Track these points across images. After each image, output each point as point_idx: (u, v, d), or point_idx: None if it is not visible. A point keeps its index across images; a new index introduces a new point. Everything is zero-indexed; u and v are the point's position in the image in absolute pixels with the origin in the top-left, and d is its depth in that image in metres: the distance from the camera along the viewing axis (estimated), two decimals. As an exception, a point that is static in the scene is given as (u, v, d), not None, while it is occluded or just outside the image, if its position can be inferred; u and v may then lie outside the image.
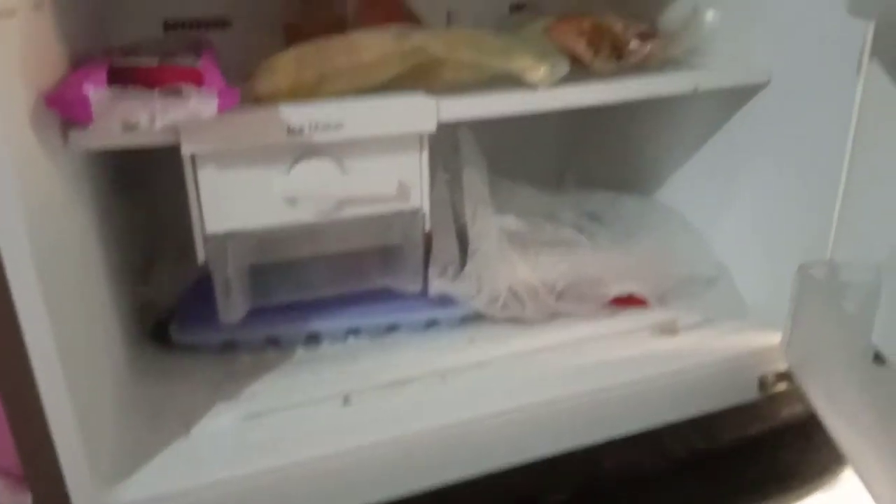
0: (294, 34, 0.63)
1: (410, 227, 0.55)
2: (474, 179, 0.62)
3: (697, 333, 0.63)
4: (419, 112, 0.51)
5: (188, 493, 0.47)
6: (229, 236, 0.50)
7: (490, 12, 0.79)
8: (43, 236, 0.39)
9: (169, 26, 0.70)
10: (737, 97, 0.64)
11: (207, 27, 0.71)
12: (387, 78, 0.53)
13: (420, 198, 0.54)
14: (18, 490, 0.51)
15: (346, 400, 0.54)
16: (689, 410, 0.60)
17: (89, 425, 0.43)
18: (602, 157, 0.87)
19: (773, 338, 0.60)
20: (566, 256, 0.64)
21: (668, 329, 0.64)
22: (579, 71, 0.58)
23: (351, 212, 0.52)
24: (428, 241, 0.59)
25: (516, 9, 0.83)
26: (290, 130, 0.47)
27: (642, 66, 0.61)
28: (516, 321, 0.63)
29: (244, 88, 0.49)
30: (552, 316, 0.64)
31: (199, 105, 0.40)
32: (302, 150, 0.50)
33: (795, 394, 0.57)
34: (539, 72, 0.54)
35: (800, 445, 0.60)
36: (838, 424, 0.49)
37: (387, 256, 0.57)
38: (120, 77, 0.40)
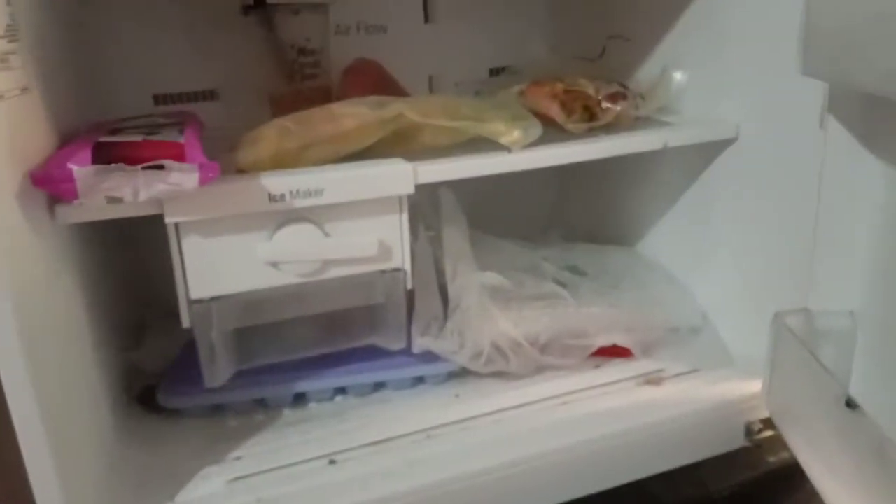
0: (280, 105, 0.66)
1: (393, 286, 0.56)
2: (454, 237, 0.63)
3: (683, 383, 0.64)
4: (397, 177, 0.53)
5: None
6: (214, 301, 0.51)
7: (470, 76, 0.83)
8: (28, 308, 0.40)
9: (159, 100, 0.73)
10: (709, 151, 0.66)
11: (196, 100, 0.74)
12: (367, 144, 0.55)
13: (401, 257, 0.56)
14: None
15: (332, 460, 0.54)
16: (677, 460, 0.60)
17: (73, 494, 0.43)
18: (586, 210, 0.89)
19: (758, 385, 0.60)
20: (549, 310, 0.65)
21: (654, 379, 0.64)
22: (554, 131, 0.61)
23: (334, 273, 0.54)
24: (411, 298, 0.60)
25: (495, 73, 0.86)
26: (272, 198, 0.49)
27: (614, 126, 0.63)
28: (502, 376, 0.64)
29: (229, 158, 0.51)
30: (538, 370, 0.64)
31: (181, 179, 0.42)
32: (284, 216, 0.51)
33: (781, 441, 0.57)
34: (512, 135, 0.56)
35: (788, 493, 0.60)
36: (818, 472, 0.49)
37: (371, 315, 0.58)
38: (104, 153, 0.42)
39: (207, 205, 0.47)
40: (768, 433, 0.61)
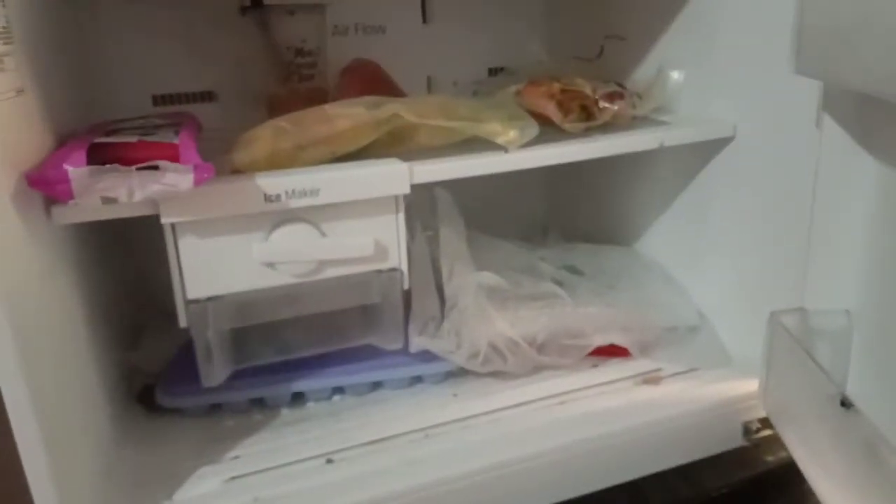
0: (277, 106, 0.67)
1: (389, 286, 0.56)
2: (451, 237, 0.64)
3: (680, 382, 0.64)
4: (393, 177, 0.53)
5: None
6: (211, 301, 0.51)
7: (468, 77, 0.83)
8: (23, 308, 0.40)
9: (157, 101, 0.73)
10: (706, 150, 0.66)
11: (194, 101, 0.74)
12: (362, 145, 0.55)
13: (398, 257, 0.56)
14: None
15: (330, 459, 0.55)
16: (675, 459, 0.60)
17: (69, 493, 0.43)
18: (584, 210, 0.89)
19: (755, 385, 0.60)
20: (546, 310, 0.65)
21: (652, 379, 0.64)
22: (551, 131, 0.61)
23: (330, 273, 0.54)
24: (408, 298, 0.60)
25: (493, 73, 0.86)
26: (268, 198, 0.49)
27: (611, 125, 0.63)
28: (500, 375, 0.64)
29: (225, 159, 0.52)
30: (535, 369, 0.64)
31: (176, 179, 0.42)
32: (280, 216, 0.51)
33: (779, 440, 0.57)
34: (508, 135, 0.56)
35: (785, 493, 0.60)
36: (814, 471, 0.49)
37: (368, 315, 0.58)
38: (99, 154, 0.43)
39: (203, 205, 0.48)
40: (766, 433, 0.61)
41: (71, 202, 0.42)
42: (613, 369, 0.66)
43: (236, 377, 0.56)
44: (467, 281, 0.62)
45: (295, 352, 0.58)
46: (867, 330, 0.52)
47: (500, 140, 0.56)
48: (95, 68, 0.69)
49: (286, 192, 0.49)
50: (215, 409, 0.61)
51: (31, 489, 0.42)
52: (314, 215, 0.52)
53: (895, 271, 0.49)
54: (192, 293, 0.50)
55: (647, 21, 0.72)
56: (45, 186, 0.41)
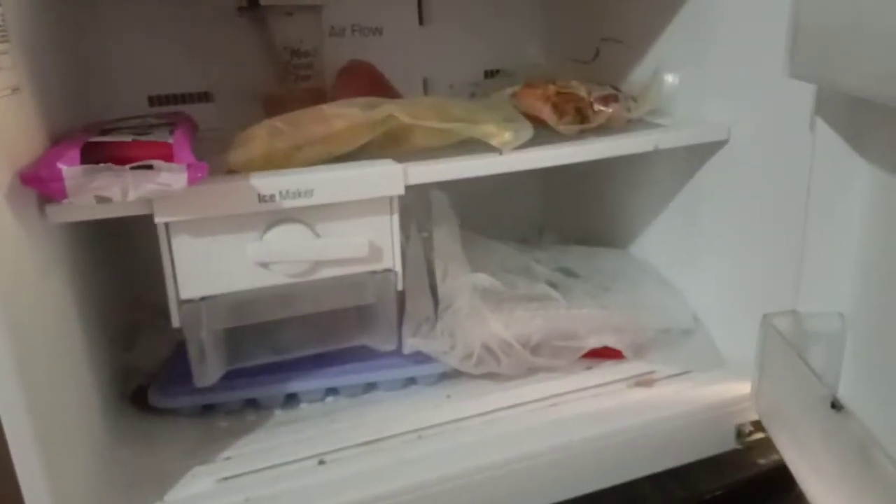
0: (273, 106, 0.66)
1: (383, 287, 0.56)
2: (445, 238, 0.64)
3: (674, 385, 0.64)
4: (387, 178, 0.53)
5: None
6: (204, 301, 0.51)
7: (465, 79, 0.83)
8: (17, 307, 0.40)
9: (154, 101, 0.73)
10: (700, 154, 0.66)
11: (191, 101, 0.74)
12: (358, 145, 0.55)
13: (392, 258, 0.56)
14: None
15: (322, 460, 0.55)
16: (668, 462, 0.60)
17: (62, 493, 0.43)
18: (580, 212, 0.89)
19: (748, 387, 0.60)
20: (541, 312, 0.65)
21: (645, 381, 0.65)
22: (546, 133, 0.61)
23: (324, 274, 0.54)
24: (402, 299, 0.61)
25: (490, 75, 0.87)
26: (262, 198, 0.49)
27: (606, 128, 0.63)
28: (493, 377, 0.64)
29: (220, 159, 0.52)
30: (529, 371, 0.65)
31: (169, 179, 0.42)
32: (275, 216, 0.51)
33: (772, 443, 0.57)
34: (503, 137, 0.56)
35: (778, 496, 0.60)
36: (805, 473, 0.49)
37: (362, 316, 0.59)
38: (93, 153, 0.43)
39: (197, 205, 0.48)
40: (758, 435, 0.61)
41: (65, 201, 0.42)
42: (607, 371, 0.66)
43: (230, 378, 0.56)
44: (461, 282, 0.62)
45: (288, 352, 0.58)
46: (861, 333, 0.52)
47: (494, 142, 0.57)
48: (92, 68, 0.69)
49: (280, 193, 0.50)
50: (208, 409, 0.61)
51: (24, 490, 0.42)
52: (308, 216, 0.52)
53: (889, 274, 0.49)
54: (186, 293, 0.50)
55: (642, 24, 0.72)
56: (39, 185, 0.41)
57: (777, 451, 0.55)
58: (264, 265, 0.52)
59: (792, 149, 0.55)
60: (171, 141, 0.46)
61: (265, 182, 0.49)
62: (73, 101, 0.60)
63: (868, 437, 0.43)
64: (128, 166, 0.41)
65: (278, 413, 0.61)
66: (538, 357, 0.64)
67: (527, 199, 0.93)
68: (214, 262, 0.51)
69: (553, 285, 0.69)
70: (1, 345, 0.39)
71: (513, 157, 0.57)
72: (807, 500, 0.49)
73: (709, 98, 0.65)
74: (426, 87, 0.85)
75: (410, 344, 0.60)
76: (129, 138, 0.46)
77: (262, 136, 0.52)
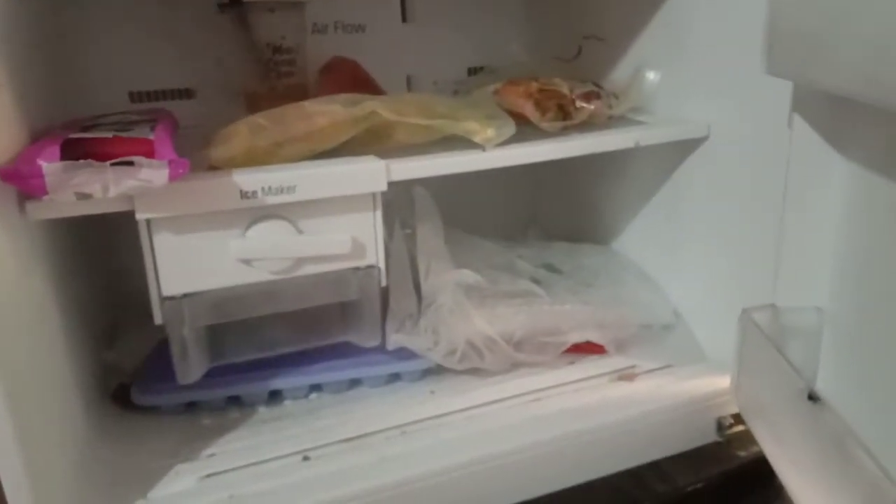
0: (255, 103, 0.66)
1: (367, 283, 0.56)
2: (428, 235, 0.64)
3: (655, 379, 0.65)
4: (370, 174, 0.53)
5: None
6: (186, 297, 0.51)
7: (448, 76, 0.83)
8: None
9: (135, 97, 0.73)
10: (681, 151, 0.67)
11: (172, 98, 0.74)
12: (340, 142, 0.55)
13: (375, 254, 0.56)
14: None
15: (306, 457, 0.55)
16: (650, 455, 0.61)
17: (44, 491, 0.43)
18: (562, 209, 0.90)
19: (728, 381, 0.61)
20: (524, 308, 0.65)
21: (627, 376, 0.65)
22: (529, 130, 0.61)
23: (307, 270, 0.54)
24: (386, 296, 0.61)
25: (473, 72, 0.87)
26: (244, 195, 0.49)
27: (588, 125, 0.64)
28: (477, 372, 0.64)
29: (202, 156, 0.51)
30: (512, 366, 0.65)
31: (150, 175, 0.42)
32: (257, 213, 0.51)
33: (751, 435, 0.58)
34: (485, 134, 0.57)
35: (758, 487, 0.60)
36: (784, 465, 0.50)
37: (345, 312, 0.59)
38: (74, 150, 0.42)
39: (178, 201, 0.48)
40: (739, 428, 0.62)
41: (45, 198, 0.42)
42: (589, 366, 0.66)
43: (213, 375, 0.56)
44: (444, 279, 0.62)
45: (272, 349, 0.58)
46: (838, 327, 0.53)
47: (477, 138, 0.57)
48: (72, 64, 0.69)
49: (262, 189, 0.49)
50: (192, 407, 0.61)
51: (5, 488, 0.42)
52: (291, 212, 0.52)
53: (866, 269, 0.49)
54: (168, 290, 0.50)
55: (624, 22, 0.72)
56: (18, 181, 0.41)
57: (757, 444, 0.55)
58: (247, 262, 0.52)
59: (770, 145, 0.56)
60: (152, 137, 0.46)
61: (247, 178, 0.49)
62: (54, 98, 0.60)
63: (844, 428, 0.44)
64: (108, 163, 0.41)
65: (262, 410, 0.61)
66: (521, 352, 0.64)
67: (511, 196, 0.93)
68: (196, 258, 0.50)
69: (536, 281, 0.69)
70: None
71: (495, 153, 0.57)
72: (786, 491, 0.50)
73: (689, 95, 0.65)
74: (410, 85, 0.85)
75: (394, 340, 0.60)
76: (109, 135, 0.46)
77: (243, 132, 0.52)
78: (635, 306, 0.69)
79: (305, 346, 0.59)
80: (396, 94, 0.61)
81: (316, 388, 0.63)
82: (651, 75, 0.68)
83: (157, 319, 0.51)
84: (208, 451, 0.56)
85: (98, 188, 0.42)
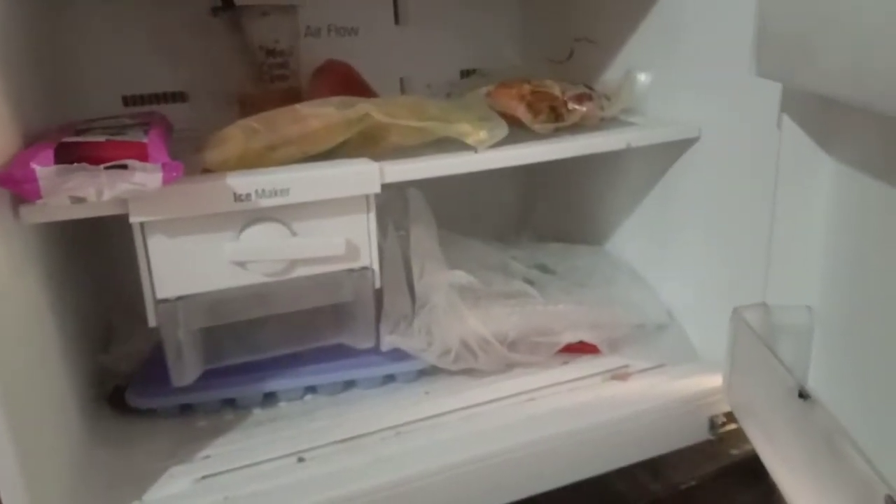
0: (248, 106, 0.67)
1: (361, 285, 0.57)
2: (422, 236, 0.64)
3: (648, 378, 0.65)
4: (363, 176, 0.53)
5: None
6: (181, 300, 0.51)
7: (441, 78, 0.84)
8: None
9: (128, 101, 0.73)
10: (672, 152, 0.67)
11: (165, 101, 0.74)
12: (333, 145, 0.56)
13: (369, 256, 0.56)
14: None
15: (301, 458, 0.55)
16: (643, 453, 0.61)
17: (39, 494, 0.43)
18: (555, 211, 0.90)
19: (721, 380, 0.61)
20: (517, 308, 0.66)
21: (620, 375, 0.66)
22: (521, 132, 0.62)
23: (301, 272, 0.54)
24: (380, 297, 0.61)
25: (466, 74, 0.87)
26: (238, 198, 0.49)
27: (580, 126, 0.64)
28: (471, 373, 0.64)
29: (196, 159, 0.52)
30: (507, 366, 0.65)
31: (144, 178, 0.42)
32: (251, 215, 0.51)
33: (744, 434, 0.59)
34: (478, 136, 0.57)
35: (752, 484, 0.61)
36: (775, 462, 0.50)
37: (339, 314, 0.59)
38: (68, 154, 0.42)
39: (172, 204, 0.48)
40: (731, 426, 0.62)
41: (39, 201, 0.42)
42: (583, 366, 0.67)
43: (208, 377, 0.56)
44: (438, 279, 0.63)
45: (266, 351, 0.58)
46: (829, 325, 0.53)
47: (469, 140, 0.57)
48: (66, 69, 0.69)
49: (256, 192, 0.50)
50: (187, 409, 0.61)
51: (1, 490, 0.42)
52: (285, 214, 0.52)
53: (855, 267, 0.50)
54: (162, 293, 0.50)
55: (615, 24, 0.73)
56: (12, 185, 0.41)
57: (749, 442, 0.56)
58: (241, 264, 0.52)
59: (760, 146, 0.56)
60: (145, 141, 0.46)
61: (241, 181, 0.50)
62: (48, 103, 0.60)
63: (834, 425, 0.44)
64: (102, 166, 0.41)
65: (257, 412, 0.61)
66: (515, 353, 0.65)
67: (504, 197, 0.94)
68: (190, 261, 0.51)
69: (530, 282, 0.70)
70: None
71: (488, 155, 0.58)
72: (778, 488, 0.50)
73: (680, 96, 0.66)
74: (403, 87, 0.85)
75: (388, 341, 0.61)
76: (103, 138, 0.46)
77: (237, 135, 0.52)
78: (628, 306, 0.70)
79: (300, 348, 0.59)
80: (389, 97, 0.61)
81: (311, 389, 0.64)
82: (642, 77, 0.68)
83: (152, 322, 0.51)
84: (203, 452, 0.56)
85: (92, 192, 0.42)
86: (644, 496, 0.60)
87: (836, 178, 0.51)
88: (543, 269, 0.74)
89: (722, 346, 0.59)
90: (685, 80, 0.65)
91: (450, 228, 0.71)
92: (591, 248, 0.81)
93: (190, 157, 0.50)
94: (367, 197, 0.54)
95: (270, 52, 0.68)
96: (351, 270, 0.56)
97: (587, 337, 0.67)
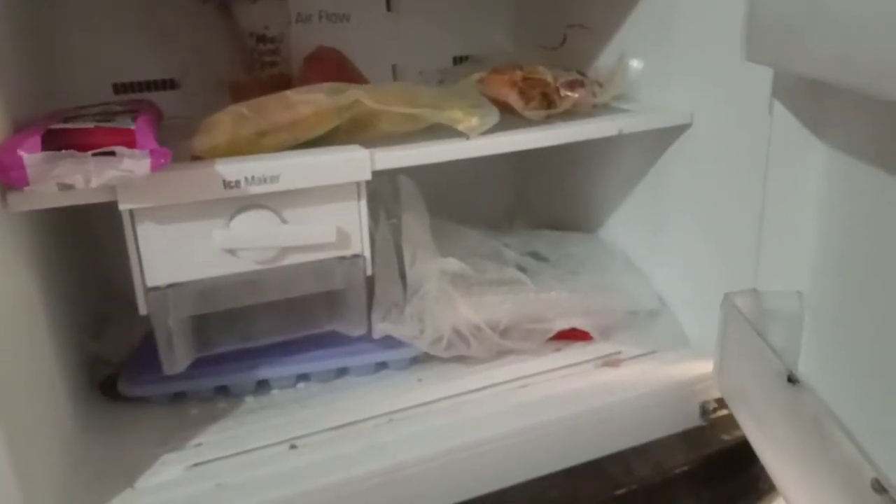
0: (239, 93, 0.66)
1: (352, 273, 0.57)
2: (413, 224, 0.64)
3: (640, 365, 0.66)
4: (354, 163, 0.53)
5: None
6: (171, 288, 0.51)
7: (434, 65, 0.83)
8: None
9: (118, 88, 0.72)
10: (664, 138, 0.67)
11: (156, 88, 0.73)
12: (324, 131, 0.55)
13: (360, 243, 0.56)
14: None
15: (293, 445, 0.55)
16: (635, 439, 0.62)
17: (31, 482, 0.43)
18: (548, 198, 0.90)
19: (712, 366, 0.62)
20: (510, 295, 0.66)
21: (612, 362, 0.66)
22: (513, 119, 0.62)
23: (292, 260, 0.54)
24: (371, 285, 0.61)
25: (459, 61, 0.87)
26: (227, 184, 0.49)
27: (572, 113, 0.64)
28: (464, 360, 0.65)
29: (185, 145, 0.51)
30: (499, 353, 0.66)
31: (132, 165, 0.42)
32: (241, 202, 0.51)
33: (734, 419, 0.59)
34: (470, 122, 0.57)
35: (743, 469, 0.61)
36: (765, 447, 0.50)
37: (331, 302, 0.59)
38: (55, 140, 0.42)
39: (161, 191, 0.48)
40: (722, 412, 0.63)
41: (27, 189, 0.42)
42: (575, 353, 0.67)
43: (200, 365, 0.56)
44: (429, 267, 0.63)
45: (258, 339, 0.58)
46: (819, 311, 0.53)
47: (461, 127, 0.57)
48: (55, 56, 0.69)
49: (246, 179, 0.50)
50: (179, 397, 0.61)
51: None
52: (275, 202, 0.52)
53: (845, 253, 0.50)
54: (152, 280, 0.50)
55: (608, 11, 0.73)
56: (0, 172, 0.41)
57: (740, 427, 0.56)
58: (231, 252, 0.52)
59: (752, 132, 0.56)
60: (133, 127, 0.46)
61: (230, 168, 0.49)
62: (37, 90, 0.60)
63: (823, 409, 0.44)
64: (90, 153, 0.41)
65: (249, 400, 0.61)
66: (508, 340, 0.65)
67: (497, 185, 0.94)
68: (180, 249, 0.50)
69: (523, 269, 0.70)
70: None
71: (480, 142, 0.58)
72: (766, 475, 0.51)
73: (672, 83, 0.66)
74: (395, 74, 0.85)
75: (380, 329, 0.61)
76: (90, 125, 0.46)
77: (226, 122, 0.52)
78: (620, 293, 0.70)
79: (292, 335, 0.59)
80: (381, 84, 0.61)
81: (303, 377, 0.64)
82: (635, 63, 0.68)
83: (142, 310, 0.51)
84: (195, 440, 0.56)
85: (80, 178, 0.42)
86: (636, 481, 0.60)
87: (828, 163, 0.51)
88: (536, 256, 0.74)
89: (713, 333, 0.59)
90: (678, 66, 0.65)
91: (441, 216, 0.71)
92: (584, 235, 0.81)
93: (179, 143, 0.50)
94: (357, 184, 0.54)
95: (261, 39, 0.68)
96: (342, 258, 0.56)
97: (579, 324, 0.67)
